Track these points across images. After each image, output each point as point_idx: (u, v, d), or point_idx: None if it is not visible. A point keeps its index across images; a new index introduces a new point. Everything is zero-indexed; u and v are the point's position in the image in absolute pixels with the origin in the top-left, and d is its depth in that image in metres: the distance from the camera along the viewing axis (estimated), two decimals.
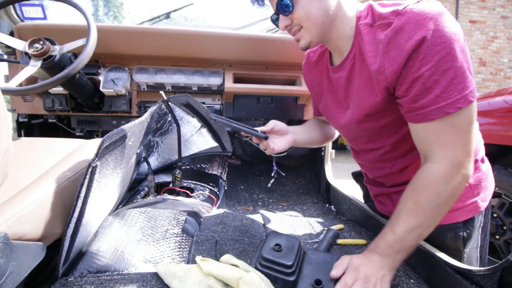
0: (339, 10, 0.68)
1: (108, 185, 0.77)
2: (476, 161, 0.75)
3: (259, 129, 0.83)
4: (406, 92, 0.59)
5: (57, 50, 1.06)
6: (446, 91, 0.54)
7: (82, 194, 0.62)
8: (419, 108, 0.58)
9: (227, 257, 0.69)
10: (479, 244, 0.79)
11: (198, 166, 1.63)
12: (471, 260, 0.79)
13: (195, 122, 1.32)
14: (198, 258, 0.66)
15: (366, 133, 0.77)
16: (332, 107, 0.84)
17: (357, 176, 1.20)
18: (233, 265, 0.67)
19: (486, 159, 0.79)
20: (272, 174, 1.63)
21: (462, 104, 0.54)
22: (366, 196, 1.11)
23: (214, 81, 1.42)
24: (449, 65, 0.54)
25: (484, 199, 0.76)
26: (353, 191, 1.25)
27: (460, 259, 0.76)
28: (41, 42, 1.03)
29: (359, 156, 0.89)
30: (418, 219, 0.59)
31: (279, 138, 0.86)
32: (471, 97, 0.55)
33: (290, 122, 1.38)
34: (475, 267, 0.60)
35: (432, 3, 0.56)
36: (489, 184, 0.78)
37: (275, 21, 0.76)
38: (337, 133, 1.06)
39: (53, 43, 1.07)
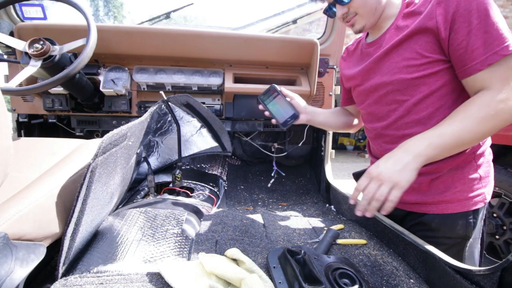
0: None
1: (108, 185, 0.77)
2: (484, 154, 0.80)
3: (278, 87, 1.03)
4: (460, 43, 0.65)
5: (57, 50, 1.06)
6: (498, 38, 0.61)
7: (82, 194, 0.62)
8: (475, 57, 0.63)
9: (233, 251, 0.69)
10: (480, 236, 0.83)
11: (198, 166, 1.63)
12: (473, 250, 0.81)
13: (195, 122, 1.32)
14: (201, 255, 0.66)
15: (395, 87, 0.80)
16: (363, 74, 0.89)
17: (358, 176, 1.21)
18: (239, 260, 0.67)
19: (491, 156, 0.84)
20: (272, 174, 1.63)
21: (506, 52, 0.60)
22: None
23: (214, 81, 1.42)
24: (492, 16, 0.61)
25: (489, 192, 0.81)
26: (353, 191, 1.25)
27: (463, 247, 0.80)
28: (41, 42, 1.03)
29: (374, 122, 0.90)
30: (464, 123, 0.62)
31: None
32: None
33: None
34: (475, 267, 0.60)
35: None
36: (492, 179, 0.84)
37: (327, 11, 0.87)
38: (356, 126, 1.14)
39: (53, 43, 1.07)
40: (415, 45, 0.72)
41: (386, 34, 0.81)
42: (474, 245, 0.82)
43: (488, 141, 0.83)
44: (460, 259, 0.80)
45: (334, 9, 0.84)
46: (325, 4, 0.87)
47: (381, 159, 0.65)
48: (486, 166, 0.81)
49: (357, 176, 1.23)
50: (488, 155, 0.82)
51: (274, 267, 0.67)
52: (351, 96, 1.04)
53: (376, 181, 0.61)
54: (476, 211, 0.79)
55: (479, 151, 0.79)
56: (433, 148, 0.61)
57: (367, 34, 0.93)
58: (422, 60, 0.72)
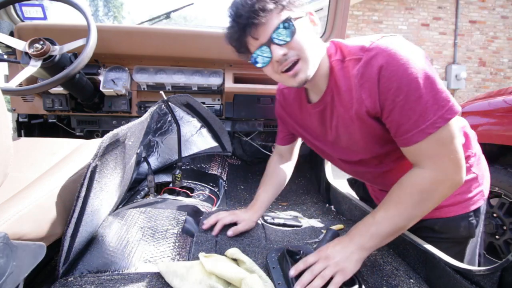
0: (320, 47, 0.70)
1: (108, 185, 0.77)
2: (475, 154, 0.82)
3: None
4: (389, 120, 0.64)
5: (57, 50, 1.06)
6: (423, 114, 0.58)
7: (82, 194, 0.62)
8: (404, 133, 0.62)
9: (233, 251, 0.69)
10: (481, 230, 0.84)
11: (198, 166, 1.63)
12: (475, 246, 0.83)
13: (195, 122, 1.32)
14: (201, 255, 0.66)
15: (354, 156, 0.80)
16: (316, 139, 0.86)
17: (351, 182, 1.25)
18: (239, 260, 0.67)
19: (481, 153, 0.86)
20: None
21: (440, 123, 0.58)
22: (363, 198, 1.12)
23: (214, 81, 1.42)
24: (419, 92, 0.58)
25: (486, 187, 0.83)
26: (353, 191, 1.25)
27: (466, 246, 0.82)
28: (41, 42, 1.03)
29: (352, 173, 0.93)
30: (398, 209, 0.61)
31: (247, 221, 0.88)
32: (448, 114, 0.58)
33: None
34: (475, 267, 0.60)
35: (394, 38, 0.63)
36: (488, 174, 0.86)
37: (255, 58, 0.67)
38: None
39: (53, 43, 1.07)
40: (368, 127, 0.69)
41: (327, 97, 0.73)
42: (476, 241, 0.83)
43: (473, 137, 0.84)
44: (462, 256, 0.82)
45: (265, 54, 0.66)
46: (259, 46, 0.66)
47: (333, 242, 0.66)
48: (478, 163, 0.82)
49: (350, 182, 1.25)
50: (477, 151, 0.84)
51: (274, 267, 0.67)
52: (292, 134, 0.98)
53: (324, 261, 0.61)
54: (477, 210, 0.80)
55: (467, 153, 0.79)
56: (374, 238, 0.62)
57: (305, 89, 0.81)
58: (385, 135, 0.69)
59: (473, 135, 0.84)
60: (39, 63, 1.03)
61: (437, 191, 0.61)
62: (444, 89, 0.59)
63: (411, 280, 0.69)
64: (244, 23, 0.63)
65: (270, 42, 0.64)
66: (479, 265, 0.88)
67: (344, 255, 0.61)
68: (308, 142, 0.92)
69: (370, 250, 0.63)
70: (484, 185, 0.82)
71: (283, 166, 1.03)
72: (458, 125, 0.62)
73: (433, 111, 0.58)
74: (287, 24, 0.63)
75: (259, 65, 0.68)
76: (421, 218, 0.64)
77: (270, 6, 0.62)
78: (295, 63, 0.66)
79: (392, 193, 0.64)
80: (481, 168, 0.83)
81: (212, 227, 0.85)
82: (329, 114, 0.76)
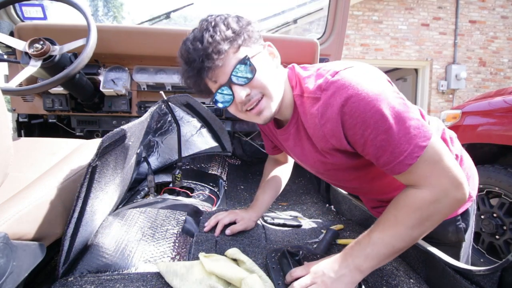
0: (282, 80, 0.69)
1: (108, 185, 0.77)
2: (456, 156, 0.79)
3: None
4: (365, 153, 0.61)
5: (57, 50, 1.06)
6: (397, 146, 0.55)
7: (82, 194, 0.62)
8: (383, 165, 0.59)
9: (233, 251, 0.69)
10: (472, 230, 0.84)
11: (198, 166, 1.63)
12: (468, 247, 0.84)
13: (195, 122, 1.32)
14: (201, 255, 0.66)
15: (333, 178, 0.80)
16: (295, 157, 0.85)
17: None
18: (239, 260, 0.67)
19: (464, 151, 0.84)
20: None
21: (418, 152, 0.55)
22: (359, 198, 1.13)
23: None
24: (387, 124, 0.55)
25: (473, 187, 0.81)
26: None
27: (459, 249, 0.81)
28: (41, 42, 1.03)
29: (342, 187, 0.94)
30: (395, 230, 0.57)
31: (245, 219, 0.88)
32: (423, 141, 0.55)
33: None
34: (475, 267, 0.60)
35: (350, 71, 0.59)
36: (474, 173, 0.84)
37: (217, 101, 0.65)
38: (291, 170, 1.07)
39: (53, 43, 1.07)
40: (339, 158, 0.68)
41: (291, 129, 0.73)
42: (469, 244, 0.83)
43: (452, 139, 0.82)
44: (457, 259, 0.80)
45: (226, 94, 0.64)
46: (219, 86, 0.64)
47: (326, 259, 0.63)
48: (462, 164, 0.80)
49: None
50: (459, 151, 0.81)
51: (274, 267, 0.67)
52: (277, 146, 0.96)
53: (311, 277, 0.58)
54: (465, 213, 0.79)
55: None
56: (370, 260, 0.57)
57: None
58: (357, 162, 0.68)
59: (451, 138, 0.82)
60: (39, 63, 1.03)
61: (438, 211, 0.56)
62: (413, 115, 0.56)
63: (411, 280, 0.69)
64: (199, 67, 0.60)
65: (230, 83, 0.62)
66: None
67: (335, 275, 0.57)
68: (290, 156, 0.92)
69: (366, 272, 0.58)
70: (471, 186, 0.79)
71: (279, 169, 1.03)
72: (439, 142, 0.58)
73: (407, 140, 0.55)
74: (246, 63, 0.61)
75: (220, 105, 0.66)
76: (418, 239, 0.60)
77: (225, 47, 0.59)
78: (259, 100, 0.64)
79: (389, 212, 0.60)
80: (465, 168, 0.80)
81: (213, 229, 0.85)
82: (296, 142, 0.75)
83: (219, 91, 0.63)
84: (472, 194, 0.80)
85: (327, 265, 0.60)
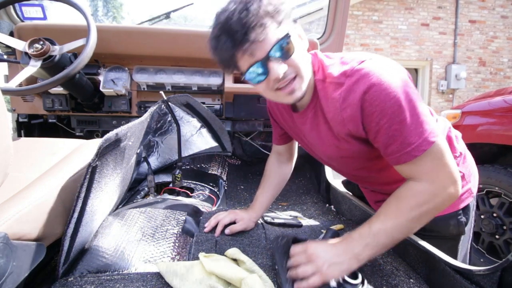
0: (309, 63, 0.70)
1: (108, 185, 0.77)
2: (460, 154, 0.83)
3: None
4: (375, 141, 0.65)
5: (57, 50, 1.06)
6: (408, 138, 0.59)
7: (82, 194, 0.62)
8: (390, 154, 0.62)
9: (233, 251, 0.69)
10: (472, 225, 0.87)
11: (198, 166, 1.63)
12: (466, 242, 0.86)
13: (195, 122, 1.32)
14: (201, 255, 0.66)
15: (345, 165, 0.82)
16: (308, 144, 0.86)
17: (347, 184, 1.26)
18: (239, 260, 0.67)
19: (467, 150, 0.88)
20: None
21: (425, 146, 0.59)
22: (361, 198, 1.13)
23: (214, 81, 1.42)
24: (403, 115, 0.58)
25: (474, 184, 0.85)
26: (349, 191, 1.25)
27: (458, 242, 0.84)
28: (41, 42, 1.03)
29: (349, 178, 0.95)
30: (396, 221, 0.60)
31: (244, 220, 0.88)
32: (432, 137, 0.59)
33: None
34: (475, 267, 0.60)
35: (375, 62, 0.62)
36: (475, 171, 0.88)
37: (252, 73, 0.63)
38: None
39: (53, 43, 1.07)
40: (352, 146, 0.70)
41: (309, 113, 0.74)
42: (468, 238, 0.86)
43: (456, 138, 0.85)
44: (455, 252, 0.84)
45: (260, 71, 0.63)
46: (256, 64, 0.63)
47: (325, 243, 0.64)
48: (464, 162, 0.84)
49: (346, 184, 1.25)
50: (462, 150, 0.85)
51: (279, 251, 0.67)
52: (286, 133, 0.97)
53: (308, 257, 0.60)
54: (466, 208, 0.82)
55: (455, 153, 0.81)
56: (369, 249, 0.59)
57: None
58: (370, 152, 0.71)
59: (456, 136, 0.85)
60: (39, 63, 1.03)
61: (436, 205, 0.60)
62: (425, 112, 0.60)
63: (411, 280, 0.69)
64: (240, 39, 0.59)
65: (267, 59, 0.61)
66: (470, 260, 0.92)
67: (331, 260, 0.58)
68: (300, 143, 0.93)
69: (363, 261, 0.60)
70: (472, 183, 0.84)
71: (281, 166, 1.03)
72: (444, 141, 0.61)
73: (417, 134, 0.58)
74: (286, 41, 0.61)
75: (253, 82, 0.66)
76: (414, 231, 0.63)
77: (268, 22, 0.59)
78: (292, 80, 0.64)
79: (389, 204, 0.62)
80: (467, 166, 0.85)
81: (213, 229, 0.85)
82: (313, 126, 0.76)
83: (254, 66, 0.62)
84: (473, 191, 0.83)
85: (326, 249, 0.61)
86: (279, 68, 0.61)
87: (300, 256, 0.61)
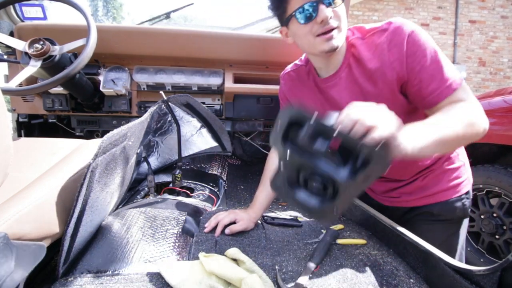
0: None
1: (108, 185, 0.77)
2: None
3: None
4: (417, 81, 0.70)
5: (57, 50, 1.06)
6: (445, 75, 0.68)
7: (83, 194, 0.62)
8: (431, 92, 0.69)
9: (233, 251, 0.69)
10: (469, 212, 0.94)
11: (198, 166, 1.63)
12: (465, 225, 0.93)
13: (195, 122, 1.32)
14: (201, 255, 0.66)
15: None
16: (335, 102, 0.85)
17: None
18: (239, 260, 0.67)
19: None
20: None
21: (459, 82, 0.68)
22: (361, 198, 1.13)
23: (214, 81, 1.42)
24: (438, 58, 0.69)
25: (470, 174, 0.94)
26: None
27: (460, 225, 0.91)
28: (41, 42, 1.03)
29: None
30: (445, 127, 0.60)
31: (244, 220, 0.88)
32: (460, 78, 0.69)
33: None
34: (475, 267, 0.60)
35: (407, 20, 0.72)
36: (468, 162, 0.95)
37: (307, 10, 0.68)
38: None
39: (53, 43, 1.07)
40: (395, 98, 0.75)
41: (341, 73, 0.78)
42: (467, 223, 0.94)
43: None
44: (458, 236, 0.91)
45: (311, 11, 0.68)
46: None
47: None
48: (463, 152, 0.92)
49: None
50: (462, 148, 0.92)
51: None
52: None
53: (364, 110, 0.48)
54: (467, 193, 0.90)
55: None
56: (420, 139, 0.54)
57: (314, 68, 0.86)
58: (406, 108, 0.76)
59: None
60: (39, 63, 1.03)
61: (479, 122, 0.64)
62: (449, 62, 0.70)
63: (411, 280, 0.69)
64: None
65: (319, 2, 0.67)
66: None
67: (387, 119, 0.48)
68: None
69: (413, 150, 0.51)
70: (468, 172, 0.93)
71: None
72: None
73: (450, 72, 0.68)
74: None
75: (301, 20, 0.70)
76: (455, 150, 0.80)
77: None
78: (333, 29, 0.70)
79: (440, 114, 0.64)
80: (465, 157, 0.93)
81: (213, 229, 0.85)
82: (348, 84, 0.80)
83: (307, 5, 0.68)
84: (471, 181, 0.93)
85: (389, 117, 0.49)
86: (327, 12, 0.68)
87: (354, 109, 0.48)
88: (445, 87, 0.67)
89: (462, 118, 0.63)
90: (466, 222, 0.93)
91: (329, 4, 0.68)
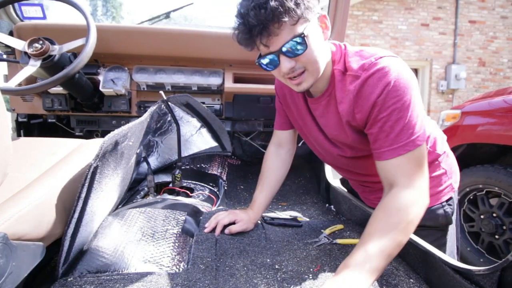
0: (327, 54, 0.73)
1: (108, 185, 0.77)
2: (444, 152, 0.89)
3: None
4: (369, 132, 0.69)
5: (56, 50, 1.06)
6: (399, 135, 0.64)
7: (83, 195, 0.62)
8: (377, 147, 0.67)
9: None
10: (457, 218, 0.94)
11: (198, 166, 1.63)
12: (452, 232, 0.93)
13: (195, 122, 1.32)
14: None
15: (343, 156, 0.85)
16: (311, 131, 0.88)
17: (343, 181, 1.28)
18: None
19: (450, 151, 0.94)
20: None
21: (410, 147, 0.64)
22: (350, 191, 1.14)
23: (214, 81, 1.42)
24: (401, 114, 0.64)
25: (455, 180, 0.92)
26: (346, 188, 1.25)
27: (446, 232, 0.91)
28: (41, 42, 1.03)
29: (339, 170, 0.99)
30: (390, 238, 0.58)
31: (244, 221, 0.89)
32: (419, 141, 0.64)
33: None
34: (474, 267, 0.60)
35: (393, 59, 0.66)
36: (456, 169, 0.95)
37: (264, 61, 0.68)
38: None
39: (52, 43, 1.06)
40: (355, 134, 0.75)
41: (322, 101, 0.78)
42: (454, 228, 0.93)
43: (441, 138, 0.90)
44: (444, 243, 0.91)
45: (272, 61, 0.68)
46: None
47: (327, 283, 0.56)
48: (447, 159, 0.90)
49: (342, 181, 1.25)
50: (446, 149, 0.91)
51: None
52: (289, 120, 0.98)
53: None
54: (449, 200, 0.89)
55: (437, 151, 0.86)
56: (370, 275, 0.55)
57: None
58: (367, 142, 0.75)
59: (441, 136, 0.91)
60: (38, 63, 1.02)
61: (418, 212, 0.61)
62: (422, 118, 0.66)
63: (411, 280, 0.69)
64: (257, 32, 0.62)
65: (279, 53, 0.65)
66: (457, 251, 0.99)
67: None
68: (300, 131, 0.95)
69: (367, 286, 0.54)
70: (453, 179, 0.91)
71: (281, 159, 1.01)
72: (425, 149, 0.67)
73: (408, 134, 0.63)
74: (300, 39, 0.63)
75: (267, 68, 0.70)
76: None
77: (285, 19, 0.61)
78: (301, 73, 0.68)
79: (378, 220, 0.61)
80: (450, 164, 0.91)
81: (213, 230, 0.85)
82: (324, 113, 0.80)
83: (268, 56, 0.67)
84: (454, 186, 0.91)
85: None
86: (287, 64, 0.66)
87: None
88: (391, 149, 0.64)
89: (396, 224, 0.59)
90: (452, 228, 0.92)
91: (291, 55, 0.65)
